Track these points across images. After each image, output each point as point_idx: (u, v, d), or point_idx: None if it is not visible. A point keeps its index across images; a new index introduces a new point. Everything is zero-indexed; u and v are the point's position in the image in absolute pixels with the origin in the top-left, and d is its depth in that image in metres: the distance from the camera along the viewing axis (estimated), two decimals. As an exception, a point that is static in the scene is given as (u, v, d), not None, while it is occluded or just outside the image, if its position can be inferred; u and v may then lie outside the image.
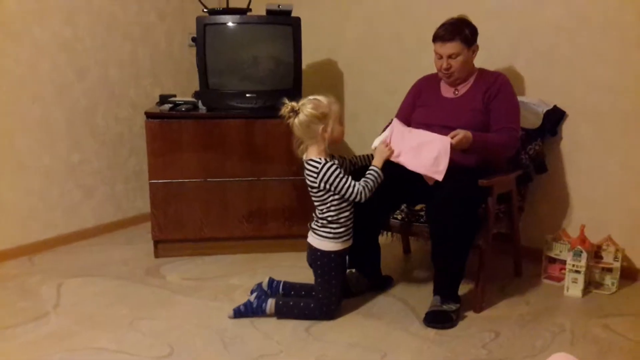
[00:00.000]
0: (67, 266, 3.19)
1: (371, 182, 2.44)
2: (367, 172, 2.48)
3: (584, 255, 2.79)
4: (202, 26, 3.24)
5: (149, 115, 3.25)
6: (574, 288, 2.82)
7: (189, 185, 3.26)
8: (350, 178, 2.43)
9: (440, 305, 2.55)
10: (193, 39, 3.37)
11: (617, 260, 2.87)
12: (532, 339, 2.40)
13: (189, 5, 4.05)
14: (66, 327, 2.49)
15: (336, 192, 2.42)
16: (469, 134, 2.50)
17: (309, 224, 2.59)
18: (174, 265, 3.22)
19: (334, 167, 2.41)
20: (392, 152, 2.51)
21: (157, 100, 3.57)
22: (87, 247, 3.52)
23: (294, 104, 2.41)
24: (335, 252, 2.50)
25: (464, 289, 2.69)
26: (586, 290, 2.84)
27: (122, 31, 3.74)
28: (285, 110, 2.41)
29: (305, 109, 2.39)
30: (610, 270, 2.88)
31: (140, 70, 3.89)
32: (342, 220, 2.48)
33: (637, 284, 2.96)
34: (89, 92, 3.59)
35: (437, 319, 2.51)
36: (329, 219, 2.47)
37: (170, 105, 3.32)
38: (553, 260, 3.02)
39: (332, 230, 2.48)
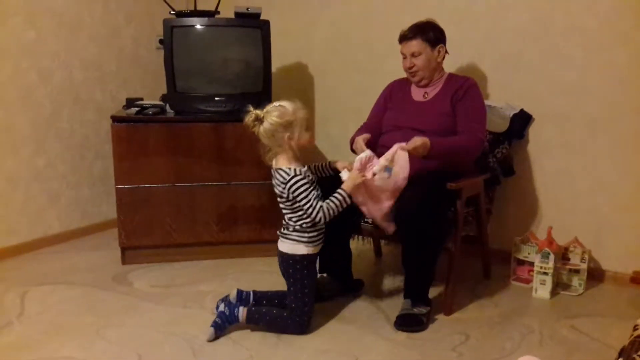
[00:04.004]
0: (31, 274, 3.11)
1: (334, 207, 2.34)
2: (335, 193, 2.37)
3: (552, 257, 2.82)
4: (170, 28, 3.20)
5: (115, 119, 3.19)
6: (542, 289, 2.86)
7: (157, 191, 3.21)
8: (315, 196, 2.34)
9: (410, 309, 2.55)
10: (160, 41, 3.32)
11: (584, 262, 2.92)
12: (502, 341, 2.41)
13: (156, 7, 4.00)
14: (31, 337, 2.42)
15: (297, 207, 2.36)
16: (427, 141, 2.50)
17: (278, 231, 2.52)
18: (142, 272, 3.17)
19: (302, 180, 2.32)
20: (364, 178, 2.39)
21: (124, 103, 3.51)
22: (52, 254, 3.44)
23: (258, 112, 2.32)
24: (307, 256, 2.44)
25: (434, 291, 2.70)
26: (554, 292, 2.88)
27: (88, 33, 3.67)
28: (249, 119, 2.33)
29: (269, 117, 2.30)
30: (577, 271, 2.92)
31: (106, 73, 3.83)
32: (317, 227, 2.43)
33: (603, 285, 3.01)
34: (54, 95, 3.52)
35: (408, 322, 2.51)
36: (304, 226, 2.40)
37: (137, 108, 3.27)
38: (521, 262, 3.05)
39: (306, 235, 2.41)
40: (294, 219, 2.42)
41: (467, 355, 2.31)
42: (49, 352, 2.30)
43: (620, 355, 1.57)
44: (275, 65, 3.57)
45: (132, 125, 3.17)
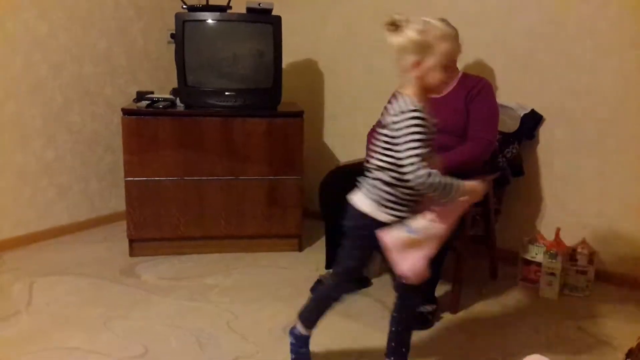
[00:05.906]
0: (39, 264, 3.13)
1: (442, 182, 1.75)
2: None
3: (559, 257, 2.82)
4: (181, 23, 3.20)
5: (126, 111, 3.20)
6: (549, 290, 2.85)
7: (166, 184, 3.22)
8: (423, 152, 1.74)
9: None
10: (172, 36, 3.33)
11: (592, 263, 2.91)
12: (508, 341, 2.41)
13: (166, 2, 4.01)
14: (38, 327, 2.44)
15: (395, 147, 1.79)
16: None
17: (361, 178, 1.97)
18: (150, 265, 3.18)
19: (421, 121, 1.75)
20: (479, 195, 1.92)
21: (134, 97, 3.52)
22: (60, 246, 3.46)
23: (397, 17, 1.84)
24: (370, 219, 1.88)
25: (441, 290, 2.70)
26: (561, 293, 2.87)
27: (99, 27, 3.69)
28: (386, 21, 1.86)
29: (407, 28, 1.82)
30: (584, 272, 2.91)
31: (116, 67, 3.84)
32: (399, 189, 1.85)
33: (610, 287, 3.00)
34: (64, 88, 3.53)
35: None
36: (385, 176, 1.85)
37: (147, 102, 3.29)
38: (529, 263, 3.04)
39: (382, 191, 1.87)
40: (382, 160, 1.86)
41: (473, 354, 2.31)
42: (56, 343, 2.32)
43: (627, 357, 1.56)
44: (286, 61, 3.57)
45: (143, 118, 3.18)
